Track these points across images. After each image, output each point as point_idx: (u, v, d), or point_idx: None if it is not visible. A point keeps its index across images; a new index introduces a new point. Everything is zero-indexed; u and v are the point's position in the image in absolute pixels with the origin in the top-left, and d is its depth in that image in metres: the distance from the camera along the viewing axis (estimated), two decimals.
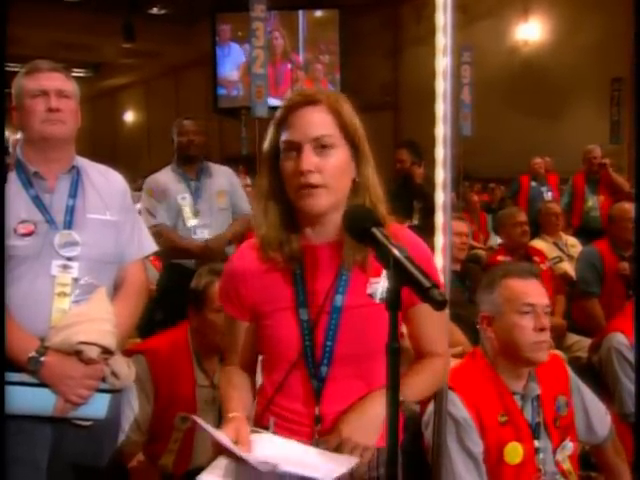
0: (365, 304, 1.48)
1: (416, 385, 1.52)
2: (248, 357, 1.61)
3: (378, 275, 1.48)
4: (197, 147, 3.97)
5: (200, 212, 3.83)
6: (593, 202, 6.45)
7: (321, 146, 1.43)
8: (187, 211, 3.82)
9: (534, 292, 2.06)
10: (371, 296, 1.49)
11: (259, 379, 1.63)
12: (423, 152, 4.96)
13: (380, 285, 1.48)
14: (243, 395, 1.55)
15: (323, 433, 1.48)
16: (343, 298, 1.49)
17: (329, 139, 1.43)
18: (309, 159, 1.41)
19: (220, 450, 1.38)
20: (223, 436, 1.38)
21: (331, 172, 1.43)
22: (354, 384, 1.50)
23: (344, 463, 1.36)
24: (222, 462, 1.37)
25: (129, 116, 22.86)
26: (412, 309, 1.53)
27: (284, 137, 1.46)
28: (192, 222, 3.82)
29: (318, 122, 1.44)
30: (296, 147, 1.43)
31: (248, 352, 1.60)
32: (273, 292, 1.51)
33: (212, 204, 3.87)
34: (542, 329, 2.01)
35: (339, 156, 1.45)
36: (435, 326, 1.58)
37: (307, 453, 1.41)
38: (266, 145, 1.51)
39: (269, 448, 1.41)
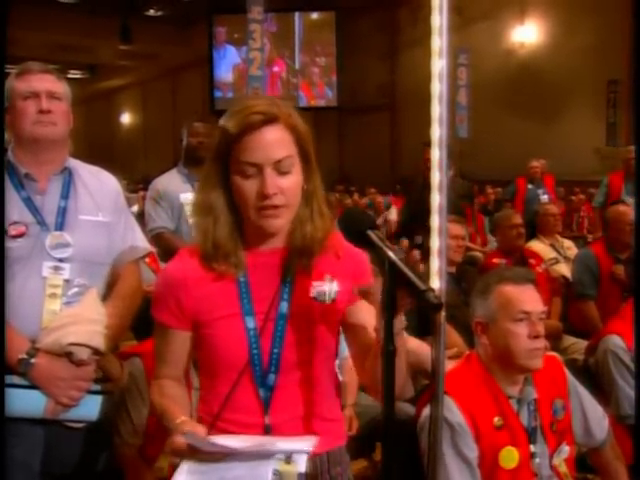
0: (311, 310, 1.47)
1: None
2: (183, 369, 1.56)
3: (321, 279, 1.48)
4: (206, 149, 3.99)
5: None
6: (630, 203, 6.42)
7: (282, 167, 1.40)
8: (189, 210, 3.85)
9: (529, 299, 2.05)
10: (315, 299, 1.48)
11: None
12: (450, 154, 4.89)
13: (326, 287, 1.47)
14: (182, 407, 1.49)
15: None
16: (288, 305, 1.48)
17: (289, 160, 1.41)
18: (273, 182, 1.39)
19: (180, 456, 1.35)
20: (197, 434, 1.34)
21: (292, 191, 1.42)
22: (302, 390, 1.49)
23: (306, 441, 1.38)
24: (185, 466, 1.35)
25: (125, 118, 22.89)
26: (352, 307, 1.52)
27: (241, 157, 1.41)
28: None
29: (279, 144, 1.40)
30: (256, 168, 1.40)
31: (182, 364, 1.55)
32: (217, 300, 1.47)
33: None
34: (537, 336, 2.00)
35: (298, 174, 1.44)
36: (373, 316, 1.54)
37: (266, 440, 1.42)
38: (212, 158, 1.47)
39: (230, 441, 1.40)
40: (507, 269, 2.13)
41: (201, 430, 1.37)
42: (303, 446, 1.37)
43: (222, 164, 1.45)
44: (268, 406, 1.47)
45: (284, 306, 1.47)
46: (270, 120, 1.40)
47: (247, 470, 1.34)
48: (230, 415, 1.49)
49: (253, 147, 1.39)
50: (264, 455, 1.35)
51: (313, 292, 1.48)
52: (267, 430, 1.47)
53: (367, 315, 1.54)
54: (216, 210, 1.46)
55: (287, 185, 1.41)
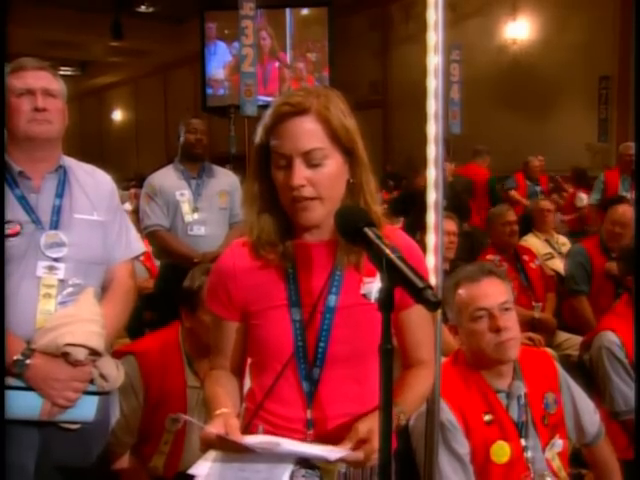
0: (359, 304, 1.45)
1: (413, 402, 1.50)
2: (236, 360, 1.56)
3: (372, 275, 1.44)
4: (203, 146, 4.00)
5: (199, 209, 3.85)
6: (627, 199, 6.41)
7: (312, 159, 1.38)
8: (185, 207, 3.85)
9: (485, 294, 2.03)
10: (365, 296, 1.45)
11: (247, 384, 1.59)
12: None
13: (374, 285, 1.44)
14: (231, 397, 1.49)
15: (315, 438, 1.44)
16: (337, 298, 1.45)
17: (320, 152, 1.39)
18: (300, 174, 1.37)
19: (209, 445, 1.34)
20: (214, 428, 1.34)
21: (324, 184, 1.39)
22: (347, 386, 1.46)
23: (339, 450, 1.33)
24: (212, 454, 1.35)
25: (117, 115, 22.75)
26: (403, 312, 1.50)
27: (274, 147, 1.41)
28: (189, 218, 3.84)
29: (308, 135, 1.38)
30: (286, 159, 1.39)
31: (236, 354, 1.55)
32: (265, 290, 1.47)
33: (212, 203, 3.89)
34: (498, 330, 1.98)
35: (332, 166, 1.40)
36: (425, 331, 1.56)
37: (298, 445, 1.38)
38: (255, 149, 1.46)
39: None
40: (462, 269, 2.09)
41: (234, 424, 1.35)
42: (326, 454, 1.30)
43: (263, 155, 1.44)
44: (311, 401, 1.45)
45: (332, 299, 1.45)
46: (300, 112, 1.38)
47: (266, 466, 1.32)
48: (272, 406, 1.47)
49: (282, 138, 1.39)
50: (282, 457, 1.32)
51: (363, 289, 1.46)
52: (309, 425, 1.45)
53: (418, 330, 1.53)
54: (259, 201, 1.46)
55: (317, 177, 1.39)
